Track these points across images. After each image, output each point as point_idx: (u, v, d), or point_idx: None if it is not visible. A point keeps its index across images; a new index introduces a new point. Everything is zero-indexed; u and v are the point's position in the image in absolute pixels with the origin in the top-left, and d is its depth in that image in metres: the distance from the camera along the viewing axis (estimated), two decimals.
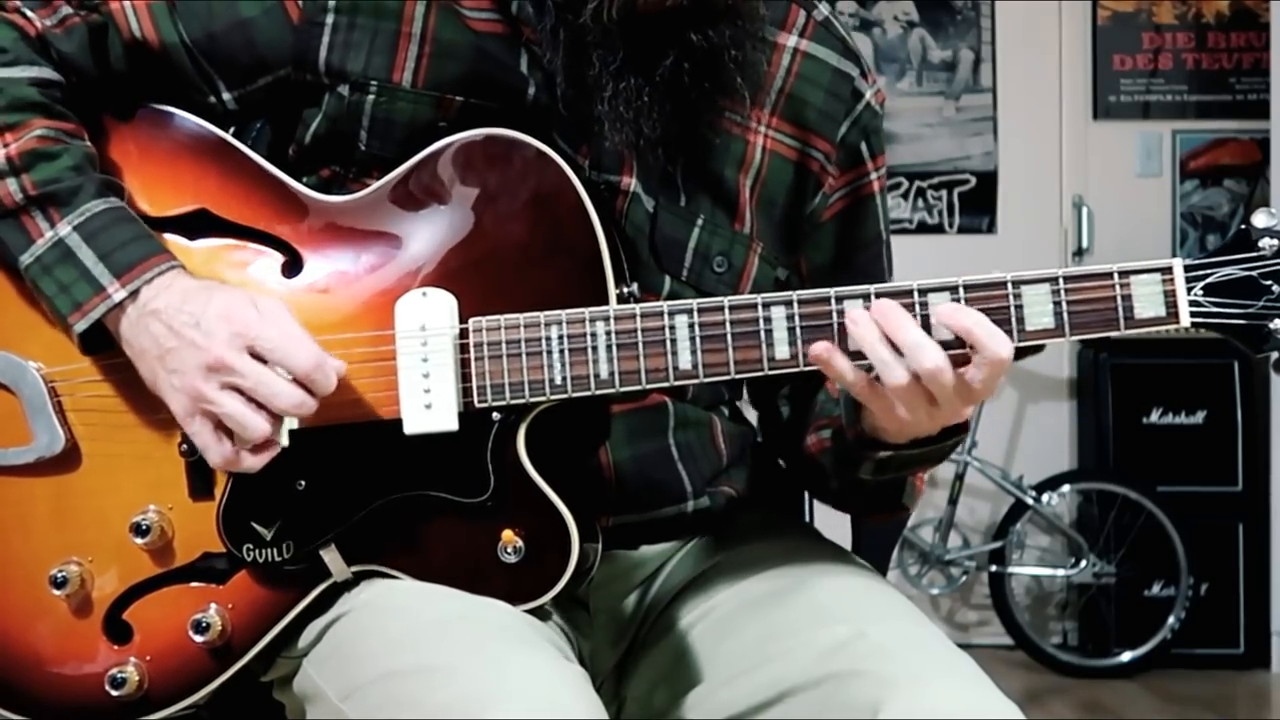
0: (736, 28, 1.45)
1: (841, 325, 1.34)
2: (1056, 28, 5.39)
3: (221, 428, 1.36)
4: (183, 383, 1.36)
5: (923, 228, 5.38)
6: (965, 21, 5.39)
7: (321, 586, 1.43)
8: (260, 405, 1.34)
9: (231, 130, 1.52)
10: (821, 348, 1.33)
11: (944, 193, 5.38)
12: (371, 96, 1.47)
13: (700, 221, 1.52)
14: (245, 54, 1.49)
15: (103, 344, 1.41)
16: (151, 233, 1.42)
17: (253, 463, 1.36)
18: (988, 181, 5.39)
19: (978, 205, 5.39)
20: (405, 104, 1.47)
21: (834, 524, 1.77)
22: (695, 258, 1.52)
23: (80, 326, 1.39)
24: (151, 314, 1.37)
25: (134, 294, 1.37)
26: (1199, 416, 5.03)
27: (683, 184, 1.52)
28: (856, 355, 1.33)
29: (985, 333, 1.31)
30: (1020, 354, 1.33)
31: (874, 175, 1.60)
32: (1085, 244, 5.29)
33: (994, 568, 5.03)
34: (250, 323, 1.34)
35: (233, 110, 1.52)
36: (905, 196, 5.37)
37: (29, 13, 1.46)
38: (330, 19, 1.47)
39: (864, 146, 1.59)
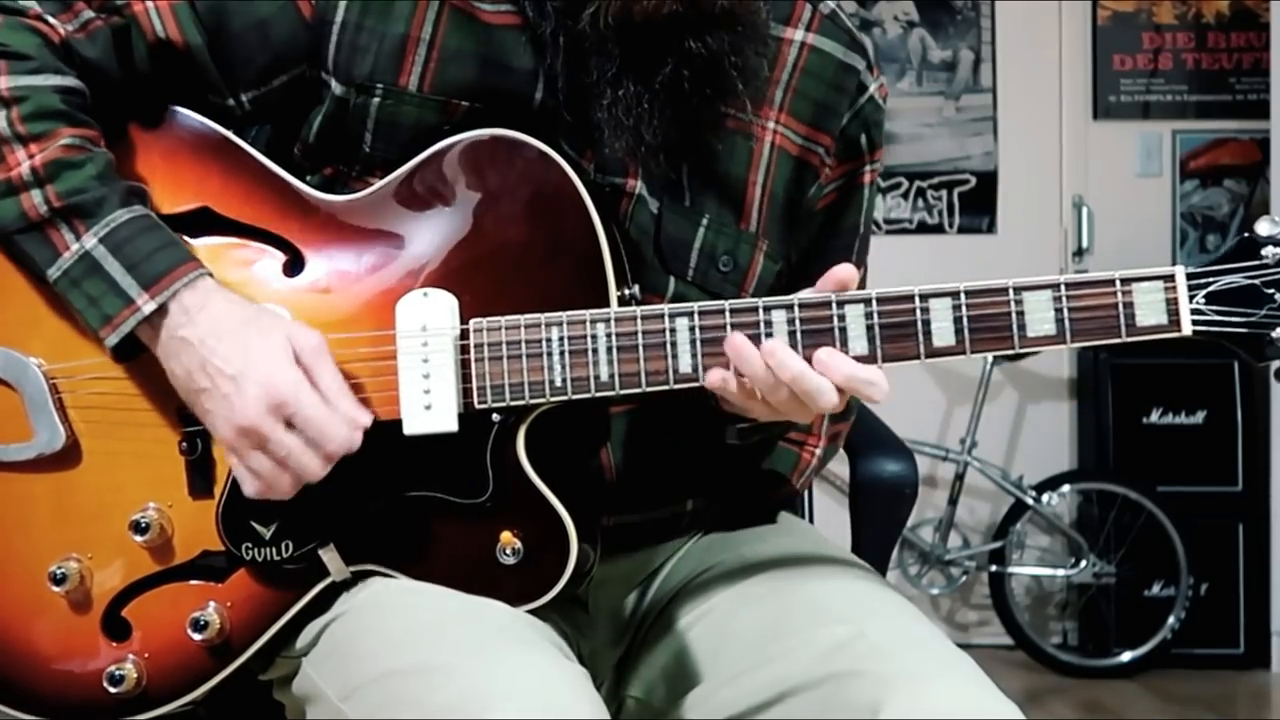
0: (735, 33, 1.45)
1: (843, 330, 1.34)
2: (1056, 28, 5.38)
3: None
4: (217, 426, 1.36)
5: (923, 228, 5.37)
6: (965, 21, 5.39)
7: (320, 586, 1.43)
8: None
9: (234, 128, 1.52)
10: (716, 377, 1.34)
11: (944, 193, 5.38)
12: (377, 99, 1.47)
13: (705, 221, 1.52)
14: (262, 54, 1.48)
15: (135, 352, 1.40)
16: (178, 240, 1.41)
17: (285, 494, 1.38)
18: (988, 181, 5.38)
19: (978, 205, 5.39)
20: (410, 108, 1.46)
21: (834, 524, 1.77)
22: (701, 258, 1.52)
23: (111, 341, 1.38)
24: (181, 342, 1.36)
25: (163, 309, 1.37)
26: (1199, 416, 5.03)
27: (688, 185, 1.51)
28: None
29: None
30: (1018, 355, 1.34)
31: (868, 168, 1.60)
32: (1085, 244, 5.29)
33: (994, 568, 5.02)
34: (288, 394, 1.33)
35: (249, 113, 1.51)
36: (905, 196, 5.37)
37: (51, 19, 1.44)
38: (340, 18, 1.47)
39: (863, 139, 1.59)
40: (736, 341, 1.32)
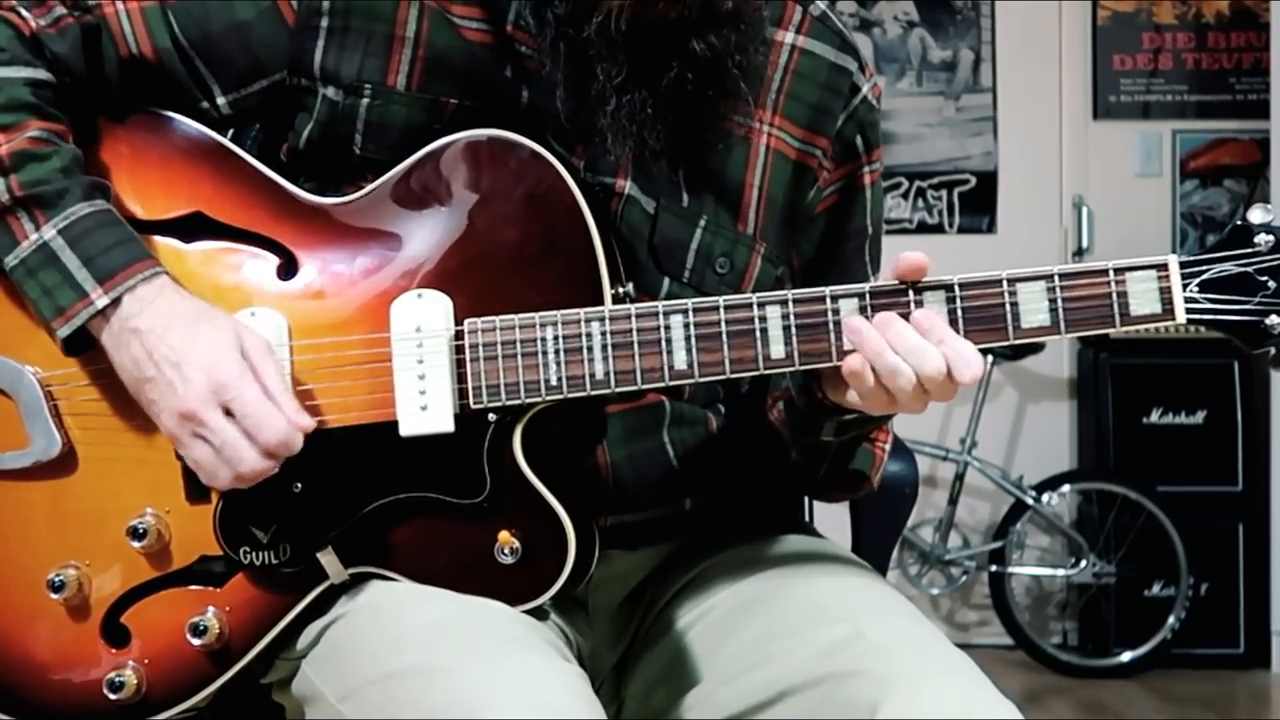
0: (739, 33, 1.45)
1: (837, 324, 1.33)
2: (1056, 28, 5.38)
3: None
4: (161, 415, 1.37)
5: (923, 228, 5.37)
6: (965, 21, 5.39)
7: (319, 589, 1.43)
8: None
9: (229, 134, 1.52)
10: (856, 361, 1.33)
11: (944, 193, 5.38)
12: (366, 100, 1.47)
13: (703, 222, 1.51)
14: (242, 57, 1.48)
15: (85, 347, 1.41)
16: (137, 236, 1.41)
17: (237, 485, 1.38)
18: (988, 181, 5.39)
19: (978, 205, 5.39)
20: (399, 107, 1.46)
21: (834, 524, 1.77)
22: (697, 259, 1.51)
23: (63, 332, 1.38)
24: (133, 332, 1.37)
25: (116, 301, 1.37)
26: (1199, 416, 5.02)
27: (686, 186, 1.51)
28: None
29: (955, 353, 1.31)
30: (1020, 352, 1.33)
31: (867, 169, 1.60)
32: (1085, 244, 5.29)
33: (994, 568, 5.02)
34: (230, 381, 1.34)
35: (227, 115, 1.51)
36: (905, 196, 5.37)
37: (24, 11, 1.45)
38: (325, 22, 1.47)
39: (859, 140, 1.58)
40: (886, 317, 1.32)
